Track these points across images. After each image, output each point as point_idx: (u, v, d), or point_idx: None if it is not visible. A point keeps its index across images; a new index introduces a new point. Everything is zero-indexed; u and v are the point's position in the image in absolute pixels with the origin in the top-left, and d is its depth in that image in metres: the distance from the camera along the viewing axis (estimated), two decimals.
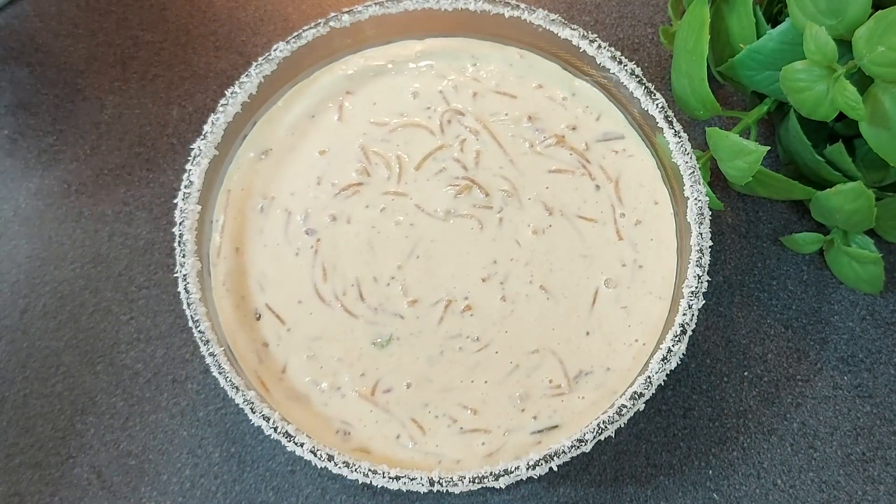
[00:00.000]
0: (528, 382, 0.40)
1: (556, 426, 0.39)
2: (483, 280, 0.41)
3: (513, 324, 0.40)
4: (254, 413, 0.37)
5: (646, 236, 0.42)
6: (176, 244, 0.40)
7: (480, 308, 0.41)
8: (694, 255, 0.39)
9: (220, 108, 0.42)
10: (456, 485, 0.36)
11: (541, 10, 0.43)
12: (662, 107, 0.41)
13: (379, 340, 0.40)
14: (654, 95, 0.42)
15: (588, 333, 0.40)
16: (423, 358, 0.40)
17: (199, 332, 0.38)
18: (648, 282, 0.41)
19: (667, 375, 0.37)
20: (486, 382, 0.40)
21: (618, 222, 0.42)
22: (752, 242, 0.48)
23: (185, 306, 0.39)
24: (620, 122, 0.44)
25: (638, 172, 0.43)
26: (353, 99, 0.45)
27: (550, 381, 0.39)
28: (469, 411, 0.39)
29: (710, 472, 0.43)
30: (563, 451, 0.36)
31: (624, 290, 0.41)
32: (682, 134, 0.41)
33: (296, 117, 0.44)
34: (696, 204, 0.40)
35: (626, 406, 0.36)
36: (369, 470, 0.36)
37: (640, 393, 0.37)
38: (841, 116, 0.38)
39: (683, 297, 0.38)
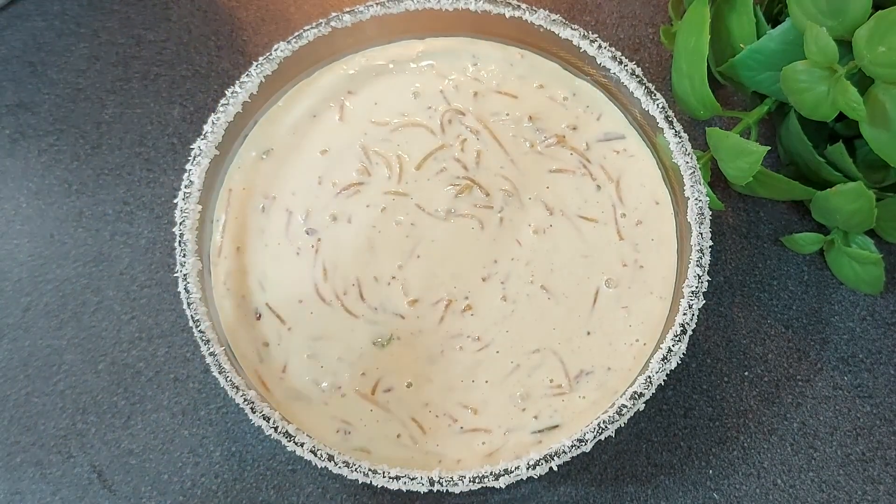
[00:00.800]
0: (529, 382, 0.40)
1: (557, 426, 0.39)
2: (483, 280, 0.41)
3: (513, 323, 0.41)
4: (254, 413, 0.37)
5: (646, 236, 0.42)
6: (176, 244, 0.40)
7: (481, 308, 0.41)
8: (694, 255, 0.39)
9: (221, 108, 0.42)
10: (456, 484, 0.36)
11: (542, 10, 0.43)
12: (663, 107, 0.41)
13: (379, 340, 0.40)
14: (655, 95, 0.42)
15: (589, 333, 0.40)
16: (424, 357, 0.40)
17: (200, 331, 0.38)
18: (649, 282, 0.41)
19: (667, 375, 0.37)
20: (486, 382, 0.40)
21: (618, 222, 0.42)
22: (752, 242, 0.48)
23: (185, 306, 0.39)
24: (621, 122, 0.44)
25: (639, 172, 0.43)
26: (354, 99, 0.45)
27: (551, 381, 0.40)
28: (469, 411, 0.39)
29: (711, 471, 0.43)
30: (564, 451, 0.36)
31: (625, 290, 0.41)
32: (683, 134, 0.41)
33: (297, 117, 0.44)
34: (696, 204, 0.40)
35: (626, 406, 0.37)
36: (369, 470, 0.36)
37: (641, 393, 0.37)
38: (841, 117, 0.38)
39: (684, 297, 0.38)
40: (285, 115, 0.44)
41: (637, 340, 0.40)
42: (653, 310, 0.40)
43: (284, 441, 0.36)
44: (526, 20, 0.43)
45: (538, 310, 0.41)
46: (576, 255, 0.42)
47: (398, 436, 0.39)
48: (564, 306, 0.41)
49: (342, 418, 0.39)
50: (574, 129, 0.44)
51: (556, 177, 0.43)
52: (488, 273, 0.41)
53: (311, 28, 0.43)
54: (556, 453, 0.36)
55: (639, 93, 0.42)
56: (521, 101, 0.44)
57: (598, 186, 0.43)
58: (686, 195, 0.40)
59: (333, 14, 0.43)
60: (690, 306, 0.38)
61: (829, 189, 0.42)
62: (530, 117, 0.44)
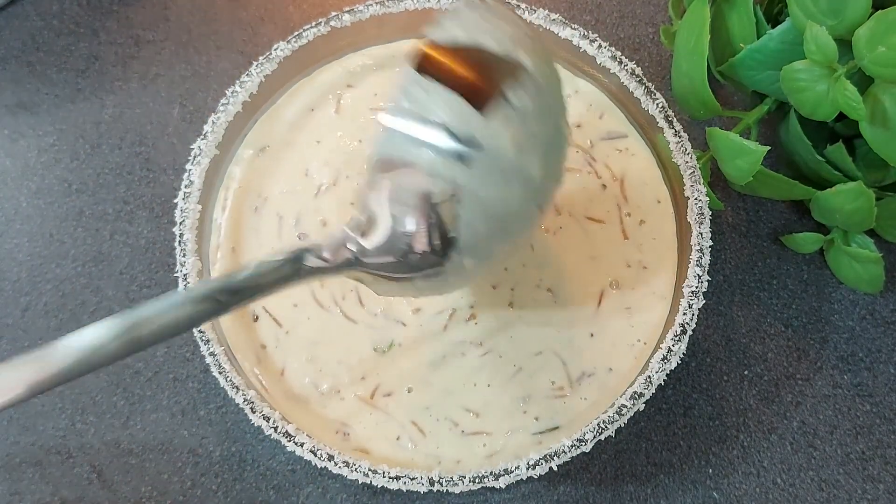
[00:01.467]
0: (531, 384, 0.39)
1: (557, 427, 0.39)
2: (494, 287, 0.41)
3: (519, 328, 0.40)
4: (254, 413, 0.37)
5: (649, 235, 0.42)
6: (176, 244, 0.40)
7: (486, 316, 0.40)
8: (694, 255, 0.39)
9: (221, 108, 0.42)
10: (456, 484, 0.36)
11: (541, 9, 0.43)
12: (663, 107, 0.41)
13: (380, 346, 0.40)
14: (655, 95, 0.42)
15: (592, 335, 0.40)
16: (425, 363, 0.40)
17: (199, 331, 0.38)
18: (652, 282, 0.41)
19: (667, 375, 0.37)
20: (488, 386, 0.39)
21: (623, 221, 0.42)
22: (752, 242, 0.48)
23: None
24: (622, 121, 0.44)
25: (641, 171, 0.43)
26: (352, 92, 0.45)
27: (553, 383, 0.39)
28: (471, 414, 0.39)
29: (710, 470, 0.43)
30: (564, 451, 0.36)
31: (628, 291, 0.41)
32: (683, 134, 0.41)
33: (295, 115, 0.44)
34: (696, 204, 0.40)
35: (626, 406, 0.36)
36: (369, 469, 0.36)
37: (641, 393, 0.37)
38: (841, 116, 0.38)
39: (683, 297, 0.38)
40: (284, 114, 0.44)
41: (638, 340, 0.40)
42: (654, 309, 0.40)
43: (284, 441, 0.36)
44: (525, 20, 0.43)
45: (544, 313, 0.40)
46: (583, 256, 0.41)
47: (398, 438, 0.39)
48: (570, 309, 0.40)
49: (341, 420, 0.39)
50: (578, 126, 0.44)
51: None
52: (498, 280, 0.41)
53: (311, 27, 0.43)
54: (555, 453, 0.36)
55: (638, 92, 0.42)
56: None
57: (604, 185, 0.43)
58: (686, 195, 0.40)
59: (333, 13, 0.43)
60: (690, 306, 0.38)
61: (828, 189, 0.42)
62: None
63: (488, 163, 0.29)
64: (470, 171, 0.29)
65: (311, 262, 0.31)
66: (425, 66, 0.28)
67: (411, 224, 0.30)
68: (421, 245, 0.30)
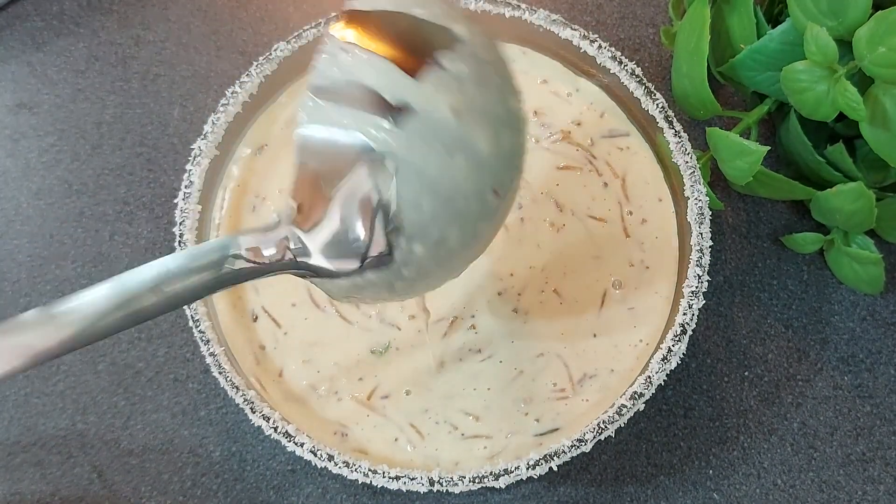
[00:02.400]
0: (533, 386, 0.39)
1: (558, 429, 0.38)
2: (499, 294, 0.41)
3: (521, 333, 0.40)
4: (254, 413, 0.37)
5: (651, 234, 0.42)
6: (177, 244, 0.40)
7: (489, 324, 0.40)
8: (694, 255, 0.39)
9: (221, 108, 0.42)
10: (456, 484, 0.36)
11: (542, 10, 0.43)
12: (663, 107, 0.41)
13: (377, 349, 0.40)
14: (655, 95, 0.42)
15: (595, 336, 0.40)
16: (423, 368, 0.40)
17: (200, 331, 0.38)
18: (654, 281, 0.41)
19: (667, 375, 0.37)
20: (488, 389, 0.39)
21: (625, 220, 0.42)
22: (752, 242, 0.48)
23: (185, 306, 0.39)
24: (623, 119, 0.44)
25: (642, 169, 0.43)
26: None
27: (555, 385, 0.39)
28: (471, 418, 0.39)
29: (711, 471, 0.43)
30: (564, 451, 0.36)
31: (631, 291, 0.41)
32: (683, 134, 0.41)
33: (294, 114, 0.44)
34: (696, 204, 0.40)
35: (626, 406, 0.36)
36: (369, 470, 0.36)
37: (641, 393, 0.37)
38: (841, 117, 0.38)
39: (683, 297, 0.38)
40: (282, 113, 0.44)
41: (641, 341, 0.40)
42: (656, 309, 0.40)
43: (284, 441, 0.36)
44: (526, 20, 0.43)
45: (549, 315, 0.40)
46: (587, 256, 0.41)
47: (395, 440, 0.38)
48: (574, 310, 0.40)
49: (339, 421, 0.39)
50: (579, 124, 0.44)
51: (564, 174, 0.43)
52: (504, 286, 0.41)
53: (311, 28, 0.43)
54: (555, 453, 0.36)
55: (639, 93, 0.42)
56: (525, 96, 0.44)
57: (605, 184, 0.43)
58: (686, 195, 0.40)
59: (333, 14, 0.43)
60: (690, 306, 0.38)
61: (829, 189, 0.42)
62: (535, 112, 0.44)
63: (424, 127, 0.26)
64: (405, 136, 0.26)
65: (240, 264, 0.28)
66: (349, 33, 0.27)
67: (358, 226, 0.27)
68: (378, 247, 0.27)
